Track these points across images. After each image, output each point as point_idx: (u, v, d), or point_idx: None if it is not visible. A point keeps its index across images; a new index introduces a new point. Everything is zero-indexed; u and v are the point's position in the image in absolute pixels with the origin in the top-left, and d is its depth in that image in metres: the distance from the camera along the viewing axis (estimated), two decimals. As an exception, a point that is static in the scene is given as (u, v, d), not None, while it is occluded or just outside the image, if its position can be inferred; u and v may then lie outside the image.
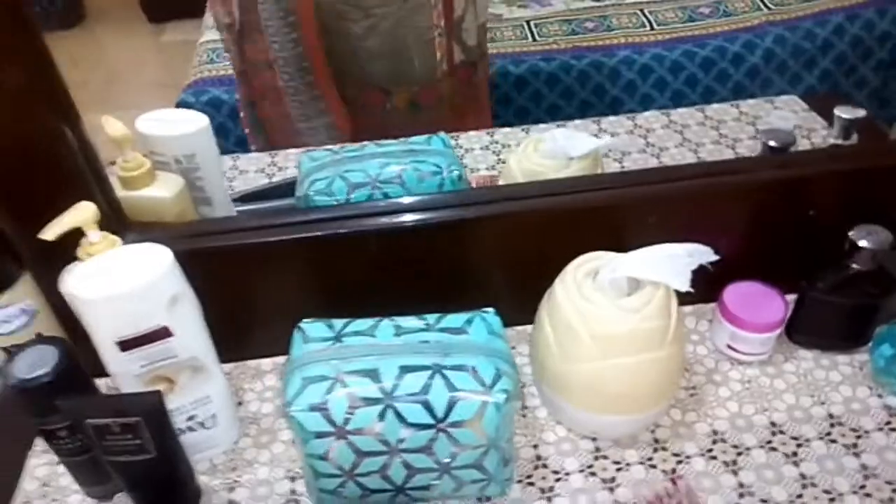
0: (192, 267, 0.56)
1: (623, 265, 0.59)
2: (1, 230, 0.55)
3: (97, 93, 0.53)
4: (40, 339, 0.56)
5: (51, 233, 0.51)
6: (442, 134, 0.83)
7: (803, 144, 0.89)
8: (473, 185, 0.86)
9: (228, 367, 0.71)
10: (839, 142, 0.73)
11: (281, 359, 0.72)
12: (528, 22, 1.71)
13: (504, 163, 0.92)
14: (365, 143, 0.82)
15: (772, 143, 0.71)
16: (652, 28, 1.66)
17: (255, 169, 0.94)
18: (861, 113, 0.74)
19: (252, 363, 0.72)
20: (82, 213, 0.53)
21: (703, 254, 0.59)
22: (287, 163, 0.96)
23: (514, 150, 0.77)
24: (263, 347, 0.71)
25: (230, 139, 1.59)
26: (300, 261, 0.65)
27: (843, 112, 0.74)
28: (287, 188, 0.83)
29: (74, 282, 0.50)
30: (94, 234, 0.54)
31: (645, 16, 1.69)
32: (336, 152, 0.76)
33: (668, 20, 1.67)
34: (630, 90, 1.61)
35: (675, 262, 0.59)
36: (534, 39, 1.67)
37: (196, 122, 0.66)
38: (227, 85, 1.54)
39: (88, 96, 0.60)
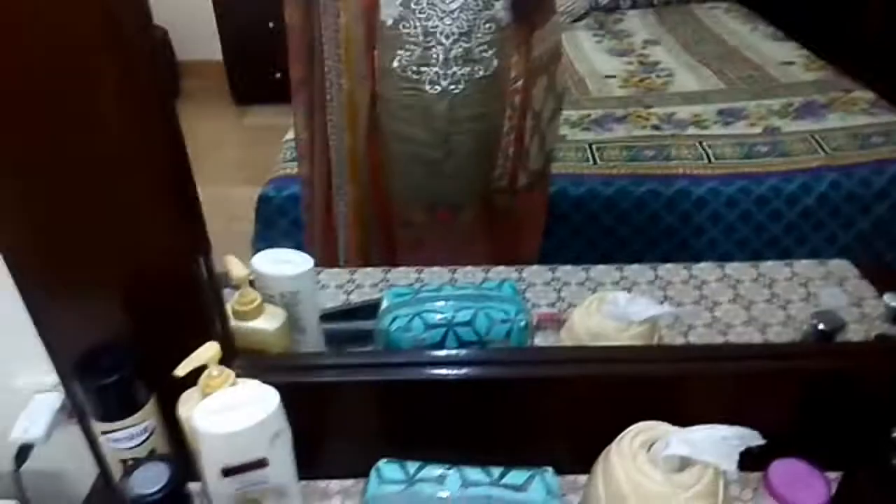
0: (283, 396, 0.63)
1: (676, 444, 0.64)
2: (137, 359, 0.64)
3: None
4: (156, 457, 0.64)
5: (183, 370, 0.60)
6: (512, 280, 0.91)
7: (852, 312, 0.93)
8: (536, 321, 0.92)
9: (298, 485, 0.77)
10: (886, 328, 0.78)
11: (348, 482, 0.78)
12: (590, 145, 1.80)
13: (563, 300, 0.98)
14: (442, 285, 0.90)
15: (821, 327, 0.76)
16: (710, 161, 1.73)
17: (335, 284, 1.03)
18: (911, 301, 0.79)
19: (321, 484, 0.78)
20: (209, 352, 0.61)
21: (751, 438, 0.64)
22: (365, 280, 1.04)
23: (580, 304, 0.83)
24: (332, 469, 0.77)
25: (304, 232, 1.71)
26: (377, 399, 0.72)
27: (893, 300, 0.79)
28: (366, 311, 0.91)
29: (198, 416, 0.57)
30: (214, 369, 0.62)
31: (703, 149, 1.76)
32: (417, 291, 0.84)
33: (725, 154, 1.74)
34: (685, 220, 1.67)
35: (725, 444, 0.63)
36: (594, 163, 1.75)
37: (302, 265, 0.75)
38: (307, 183, 1.67)
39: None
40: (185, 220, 0.63)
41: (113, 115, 0.56)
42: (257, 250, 1.76)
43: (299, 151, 1.17)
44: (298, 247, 1.76)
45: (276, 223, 1.63)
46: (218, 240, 0.88)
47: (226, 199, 2.10)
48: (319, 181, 1.16)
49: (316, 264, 1.13)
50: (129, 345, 0.65)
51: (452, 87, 1.00)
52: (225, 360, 0.66)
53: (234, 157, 2.53)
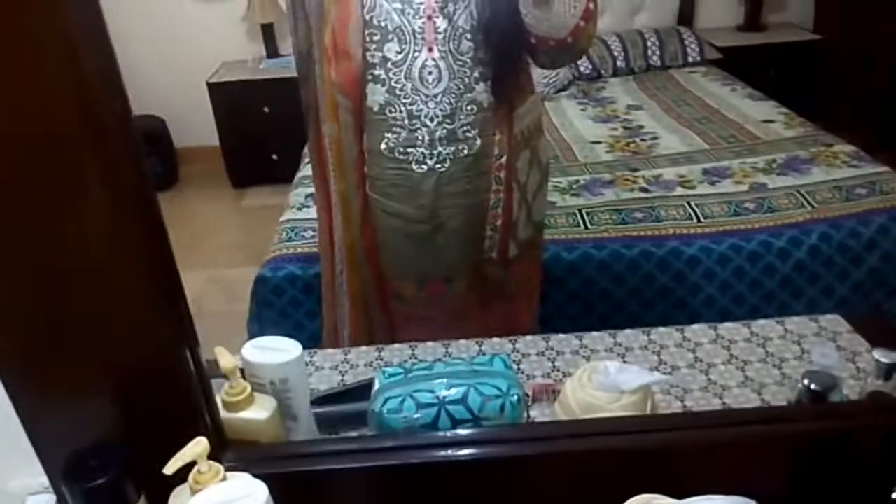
0: (276, 486, 0.63)
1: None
2: (126, 458, 0.63)
3: (182, 251, 0.61)
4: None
5: (172, 468, 0.60)
6: (504, 354, 0.91)
7: (847, 368, 0.93)
8: (530, 392, 0.92)
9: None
10: (879, 384, 0.78)
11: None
12: (580, 210, 1.83)
13: (558, 370, 0.98)
14: (434, 361, 0.90)
15: (813, 387, 0.75)
16: (699, 220, 1.75)
17: (329, 365, 1.03)
18: (901, 356, 0.78)
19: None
20: (197, 448, 0.61)
21: (751, 508, 0.63)
22: (359, 359, 1.04)
23: (572, 376, 0.83)
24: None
25: (300, 310, 1.72)
26: (369, 484, 0.71)
27: (882, 356, 0.78)
28: (359, 392, 0.91)
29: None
30: (203, 465, 0.62)
31: (692, 208, 1.78)
32: (408, 370, 0.84)
33: (714, 213, 1.77)
34: (679, 280, 1.68)
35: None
36: (586, 227, 1.77)
37: (291, 352, 0.76)
38: (302, 262, 1.69)
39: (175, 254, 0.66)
40: (172, 314, 0.64)
41: (98, 210, 0.57)
42: (252, 331, 1.77)
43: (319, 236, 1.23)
44: (294, 326, 1.76)
45: (272, 303, 1.65)
46: (218, 321, 0.88)
47: (225, 280, 2.13)
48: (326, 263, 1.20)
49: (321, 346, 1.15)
50: (117, 444, 0.65)
51: (438, 165, 1.04)
52: (216, 453, 0.66)
53: (232, 239, 2.58)
